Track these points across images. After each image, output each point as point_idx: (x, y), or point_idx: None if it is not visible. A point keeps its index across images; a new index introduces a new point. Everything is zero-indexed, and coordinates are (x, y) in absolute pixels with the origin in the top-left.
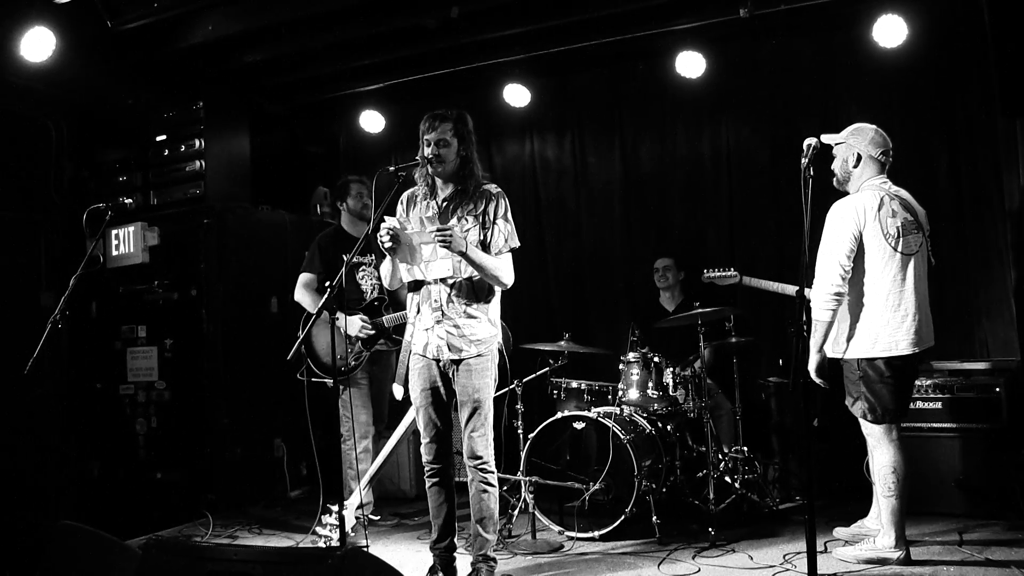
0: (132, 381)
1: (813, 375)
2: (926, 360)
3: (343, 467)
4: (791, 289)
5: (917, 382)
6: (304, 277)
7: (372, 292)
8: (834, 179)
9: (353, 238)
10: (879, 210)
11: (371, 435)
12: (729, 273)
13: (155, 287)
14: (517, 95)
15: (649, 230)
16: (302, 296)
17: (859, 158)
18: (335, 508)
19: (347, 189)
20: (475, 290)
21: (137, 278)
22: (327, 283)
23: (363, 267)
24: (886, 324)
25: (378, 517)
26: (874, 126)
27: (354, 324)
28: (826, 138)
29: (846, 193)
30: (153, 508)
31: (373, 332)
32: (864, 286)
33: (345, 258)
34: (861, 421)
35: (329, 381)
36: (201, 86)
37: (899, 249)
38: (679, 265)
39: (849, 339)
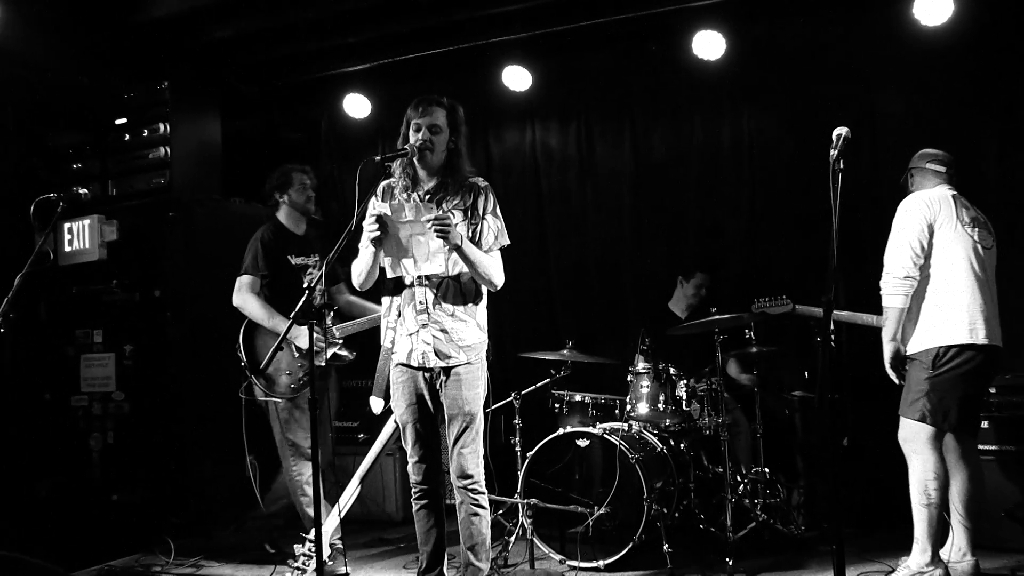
0: (86, 391)
1: (887, 367)
2: (999, 372)
3: (295, 495)
4: (863, 318)
5: None
6: (247, 280)
7: (319, 298)
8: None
9: (294, 236)
10: (953, 201)
11: (329, 459)
12: (782, 303)
13: (113, 287)
14: (517, 78)
15: (661, 227)
16: (246, 301)
17: (912, 174)
18: (309, 536)
19: (289, 179)
20: (463, 291)
21: (93, 277)
22: (307, 285)
23: (309, 268)
24: (964, 309)
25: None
26: (927, 149)
27: (304, 335)
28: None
29: None
30: (108, 534)
31: (325, 344)
32: (935, 276)
33: (291, 259)
34: (902, 427)
35: (280, 401)
36: (166, 64)
37: (976, 239)
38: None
39: (916, 332)
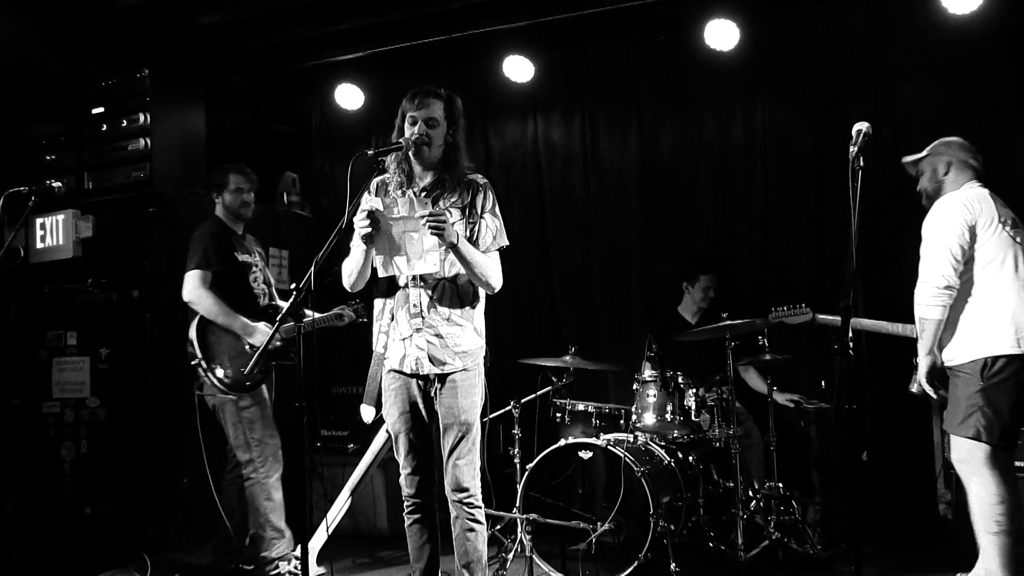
0: (58, 397)
1: (923, 382)
2: None
3: (257, 501)
4: (888, 327)
5: None
6: (199, 274)
7: (263, 297)
8: (923, 196)
9: (235, 234)
10: (992, 200)
11: (281, 460)
12: (801, 311)
13: (88, 286)
14: (519, 68)
15: (670, 227)
16: (200, 296)
17: (949, 164)
18: (295, 553)
19: (224, 181)
20: (460, 294)
21: (67, 275)
22: (293, 285)
23: (253, 268)
24: (1009, 317)
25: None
26: (958, 138)
27: (260, 332)
28: (907, 159)
29: None
30: (80, 549)
31: (281, 343)
32: (978, 282)
33: (239, 257)
34: (955, 447)
35: (231, 397)
36: (148, 50)
37: (1018, 239)
38: (719, 279)
39: (957, 342)
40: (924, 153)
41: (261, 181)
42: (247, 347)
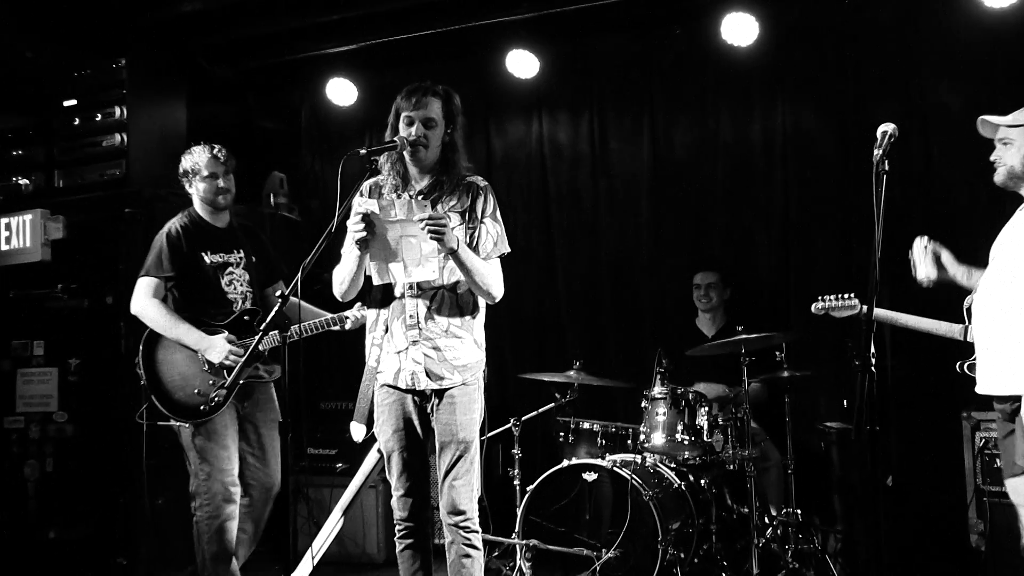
0: (23, 412)
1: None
2: None
3: (199, 542)
4: (944, 328)
5: None
6: (147, 283)
7: (242, 301)
8: (1003, 173)
9: (212, 229)
10: None
11: (236, 500)
12: (848, 302)
13: (58, 292)
14: (523, 63)
15: (683, 234)
16: (145, 308)
17: None
18: None
19: (194, 167)
20: (459, 303)
21: (34, 280)
22: (278, 292)
23: (229, 268)
24: None
25: None
26: None
27: (216, 347)
28: (989, 119)
29: (1015, 193)
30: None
31: (243, 358)
32: None
33: (205, 257)
34: (1015, 488)
35: (184, 425)
36: (125, 39)
37: None
38: (725, 281)
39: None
40: (1016, 121)
41: (246, 181)
42: (204, 365)
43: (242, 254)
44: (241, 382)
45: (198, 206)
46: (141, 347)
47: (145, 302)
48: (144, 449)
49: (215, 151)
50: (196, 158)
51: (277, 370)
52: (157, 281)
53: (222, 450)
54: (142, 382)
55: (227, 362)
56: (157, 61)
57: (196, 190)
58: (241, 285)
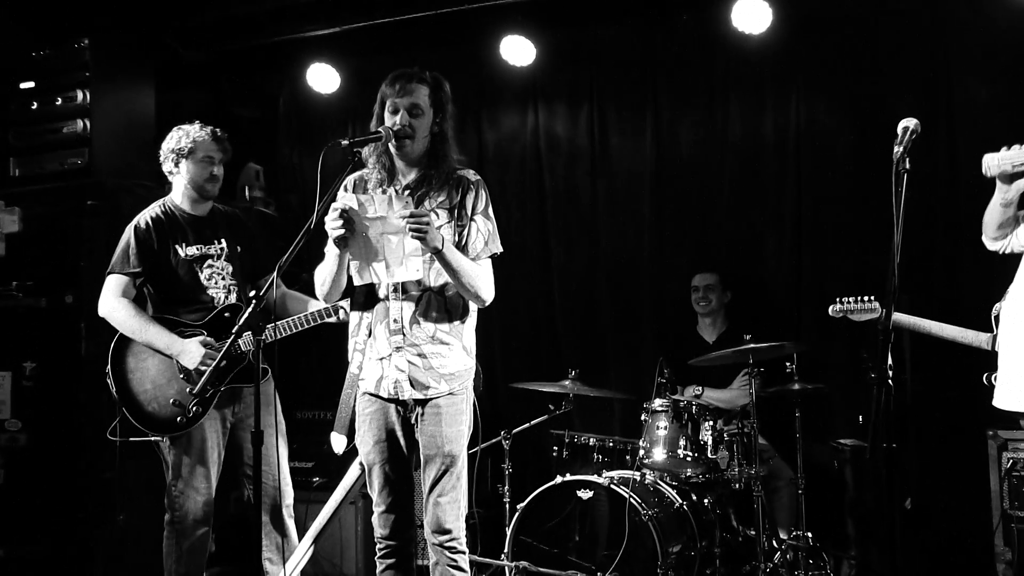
0: None
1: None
2: None
3: (166, 560)
4: (970, 336)
5: None
6: (114, 282)
7: (224, 297)
8: None
9: (191, 219)
10: None
11: (210, 521)
12: (868, 306)
13: (13, 290)
14: (518, 50)
15: (687, 236)
16: (115, 308)
17: None
18: None
19: (190, 146)
20: (448, 307)
21: None
22: (252, 294)
23: (208, 260)
24: None
25: None
26: None
27: (189, 352)
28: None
29: None
30: None
31: (221, 362)
32: None
33: (180, 250)
34: None
35: (159, 438)
36: (88, 17)
37: None
38: (725, 283)
39: None
40: None
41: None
42: (178, 371)
43: (223, 244)
44: (223, 389)
45: (179, 192)
46: (110, 354)
47: (113, 302)
48: (117, 467)
49: (218, 133)
50: (194, 136)
51: (267, 371)
52: (124, 278)
53: (199, 465)
54: (113, 393)
55: (203, 367)
56: (123, 42)
57: (184, 172)
58: (223, 279)
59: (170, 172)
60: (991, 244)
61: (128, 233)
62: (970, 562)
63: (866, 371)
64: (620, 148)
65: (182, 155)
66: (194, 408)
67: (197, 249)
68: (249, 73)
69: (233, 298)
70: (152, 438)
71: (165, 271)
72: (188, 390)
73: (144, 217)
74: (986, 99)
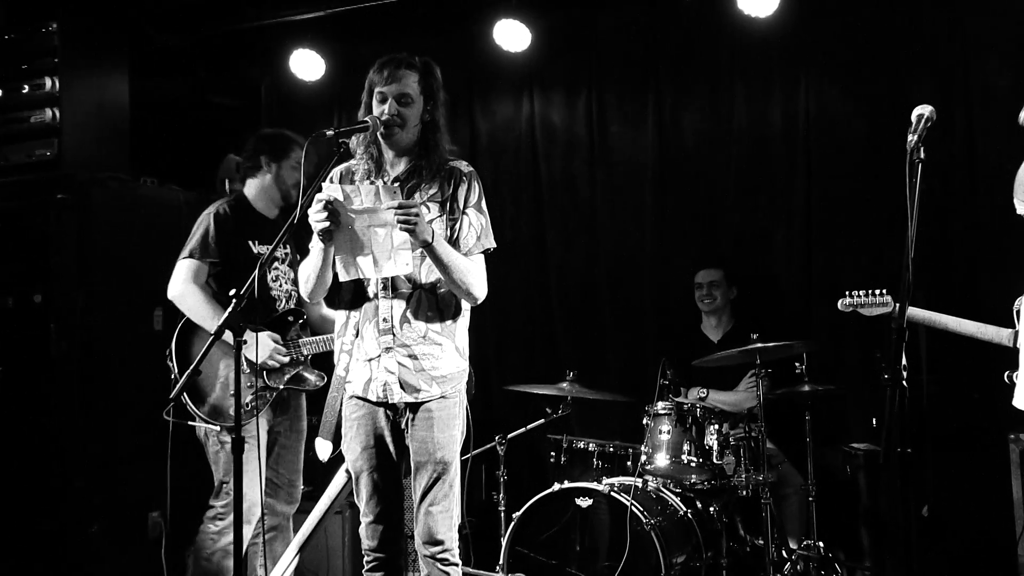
0: None
1: None
2: None
3: (200, 551)
4: (990, 332)
5: None
6: (189, 265)
7: (285, 301)
8: None
9: (262, 219)
10: None
11: (252, 521)
12: (880, 299)
13: None
14: (513, 35)
15: (691, 230)
16: (187, 293)
17: None
18: None
19: (287, 148)
20: (440, 306)
21: None
22: (233, 292)
23: (276, 263)
24: None
25: None
26: None
27: (265, 345)
28: None
29: None
30: None
31: (288, 360)
32: None
33: (252, 246)
34: None
35: (216, 427)
36: (57, 0)
37: None
38: (730, 279)
39: None
40: None
41: (198, 164)
42: (244, 363)
43: (288, 250)
44: (281, 388)
45: (258, 191)
46: (175, 338)
47: (185, 287)
48: (169, 451)
49: (317, 136)
50: (292, 144)
51: (324, 377)
52: (201, 265)
53: (247, 463)
54: (172, 375)
55: (270, 362)
56: (94, 27)
57: (272, 172)
58: (286, 283)
59: (254, 167)
60: (1022, 207)
61: (207, 219)
62: (991, 573)
63: (880, 371)
64: (620, 137)
65: (277, 158)
66: (255, 402)
67: (267, 249)
68: (229, 59)
69: (293, 303)
70: (208, 425)
71: (238, 264)
72: (248, 384)
73: (222, 206)
74: (1006, 85)
